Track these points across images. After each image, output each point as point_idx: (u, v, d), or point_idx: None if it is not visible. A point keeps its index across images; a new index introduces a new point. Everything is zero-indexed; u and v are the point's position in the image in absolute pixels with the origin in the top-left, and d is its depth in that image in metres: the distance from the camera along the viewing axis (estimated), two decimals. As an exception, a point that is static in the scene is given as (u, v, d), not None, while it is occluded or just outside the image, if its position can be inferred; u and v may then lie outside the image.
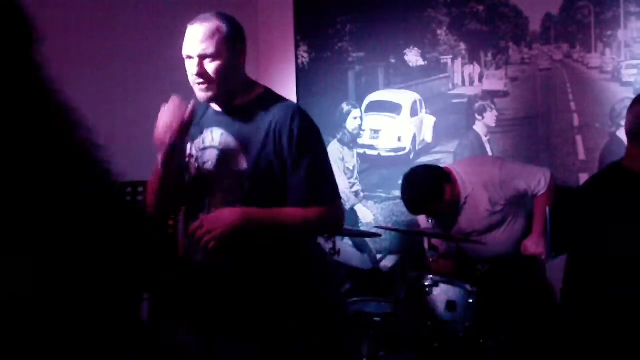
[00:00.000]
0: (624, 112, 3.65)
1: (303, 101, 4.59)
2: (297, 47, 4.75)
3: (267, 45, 4.74)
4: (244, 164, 2.14)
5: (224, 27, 2.15)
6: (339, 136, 4.60)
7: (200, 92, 2.15)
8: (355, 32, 4.57)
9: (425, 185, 3.26)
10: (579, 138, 3.79)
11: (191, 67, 2.14)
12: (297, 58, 4.75)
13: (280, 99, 2.25)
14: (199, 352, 2.22)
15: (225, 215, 2.08)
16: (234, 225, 2.06)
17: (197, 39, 2.12)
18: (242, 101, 2.21)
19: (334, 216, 2.20)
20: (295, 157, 2.11)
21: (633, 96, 3.58)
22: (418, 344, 3.17)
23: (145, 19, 4.08)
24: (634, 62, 3.63)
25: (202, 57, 2.12)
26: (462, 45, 4.21)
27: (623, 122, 3.62)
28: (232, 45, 2.15)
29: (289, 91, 4.64)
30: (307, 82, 4.72)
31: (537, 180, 3.32)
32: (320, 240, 3.75)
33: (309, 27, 4.72)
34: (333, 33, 4.63)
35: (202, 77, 2.12)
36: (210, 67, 2.12)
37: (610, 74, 3.70)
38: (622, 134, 3.62)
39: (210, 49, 2.11)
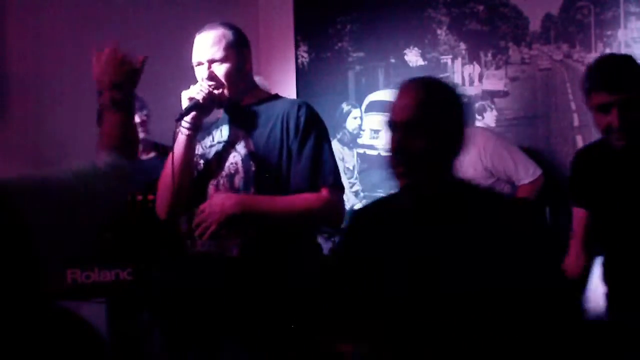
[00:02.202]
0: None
1: (303, 101, 4.60)
2: (297, 47, 4.75)
3: (267, 45, 4.74)
4: (251, 147, 2.21)
5: (229, 34, 2.26)
6: (339, 136, 4.60)
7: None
8: (355, 32, 4.57)
9: None
10: (579, 138, 3.79)
11: (201, 73, 2.24)
12: (297, 58, 4.75)
13: (291, 99, 2.39)
14: (200, 353, 2.22)
15: (223, 201, 2.14)
16: (232, 211, 2.11)
17: (206, 45, 2.23)
18: (250, 101, 2.30)
19: (335, 204, 2.21)
20: (300, 143, 2.18)
21: (633, 96, 3.59)
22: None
23: (147, 23, 4.08)
24: (634, 62, 3.63)
25: (211, 62, 2.22)
26: (462, 45, 4.21)
27: (623, 122, 3.64)
28: (238, 50, 2.25)
29: (289, 91, 4.64)
30: (307, 82, 4.72)
31: (527, 168, 3.36)
32: (320, 240, 3.75)
33: (309, 27, 4.72)
34: (333, 33, 4.63)
35: (212, 81, 2.22)
36: (220, 70, 2.23)
37: (610, 74, 3.70)
38: (622, 134, 3.62)
39: (218, 53, 2.22)
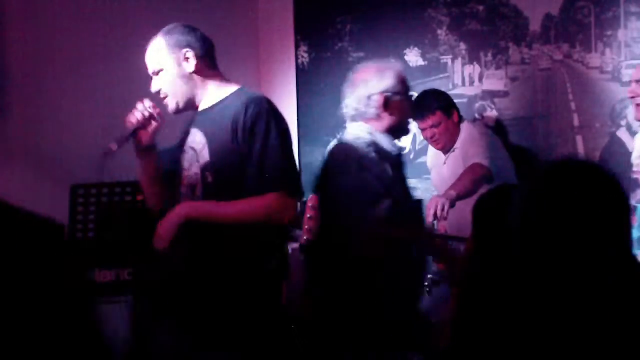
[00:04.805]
0: (624, 112, 3.66)
1: (303, 101, 4.59)
2: (297, 47, 4.75)
3: (267, 45, 4.74)
4: (206, 157, 2.21)
5: (163, 41, 2.26)
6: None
7: (166, 106, 2.29)
8: (355, 32, 4.56)
9: (442, 93, 3.64)
10: (579, 138, 3.79)
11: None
12: (297, 58, 4.75)
13: (248, 94, 2.29)
14: (180, 352, 2.25)
15: (170, 213, 2.17)
16: (177, 219, 2.14)
17: (147, 58, 2.28)
18: (211, 102, 2.29)
19: (279, 205, 2.16)
20: (248, 146, 2.15)
21: (633, 96, 3.59)
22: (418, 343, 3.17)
23: (147, 23, 4.07)
24: (634, 62, 3.62)
25: (154, 74, 2.27)
26: (462, 45, 4.20)
27: (623, 122, 3.64)
28: (173, 55, 2.25)
29: (289, 91, 4.64)
30: (307, 82, 4.72)
31: (483, 153, 3.24)
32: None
33: (309, 27, 4.71)
34: (333, 33, 4.63)
35: (159, 93, 2.27)
36: (159, 81, 2.26)
37: (610, 73, 3.70)
38: (622, 134, 3.62)
39: (154, 65, 2.26)
